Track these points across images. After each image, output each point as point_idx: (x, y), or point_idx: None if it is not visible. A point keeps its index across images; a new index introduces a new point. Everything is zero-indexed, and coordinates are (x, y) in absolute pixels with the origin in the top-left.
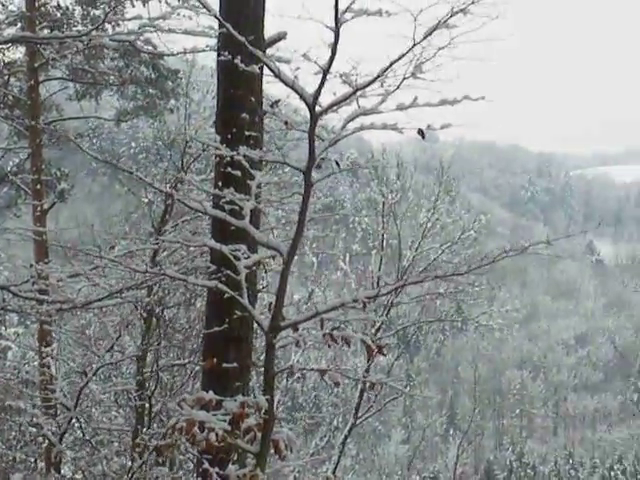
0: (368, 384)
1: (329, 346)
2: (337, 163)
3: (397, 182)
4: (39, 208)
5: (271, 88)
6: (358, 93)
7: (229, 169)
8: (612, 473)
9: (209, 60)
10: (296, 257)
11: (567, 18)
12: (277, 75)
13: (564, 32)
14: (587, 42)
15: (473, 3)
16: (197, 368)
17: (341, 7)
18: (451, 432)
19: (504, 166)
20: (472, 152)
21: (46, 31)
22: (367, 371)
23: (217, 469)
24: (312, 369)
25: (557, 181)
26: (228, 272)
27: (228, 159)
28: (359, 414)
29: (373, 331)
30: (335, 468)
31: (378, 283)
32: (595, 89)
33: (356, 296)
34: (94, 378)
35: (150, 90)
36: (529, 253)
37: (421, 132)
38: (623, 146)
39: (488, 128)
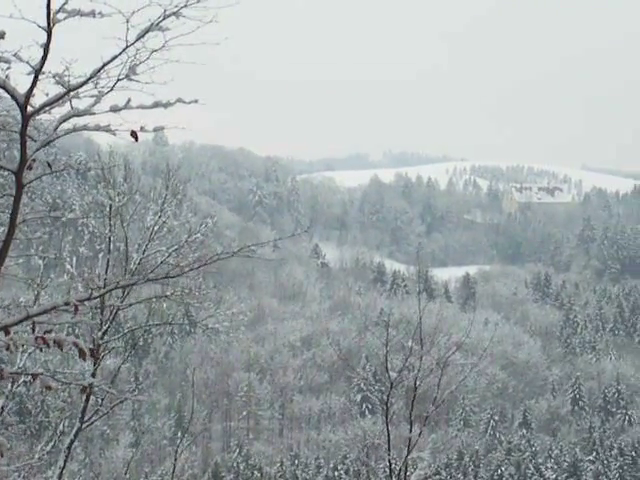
0: (95, 388)
1: (41, 349)
2: (49, 164)
3: (124, 184)
4: None
5: None
6: (71, 94)
7: None
8: (336, 473)
9: None
10: (21, 260)
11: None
12: None
13: (279, 42)
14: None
15: (185, 6)
16: None
17: (54, 7)
18: (179, 435)
19: (233, 170)
20: (201, 156)
21: None
22: (93, 375)
23: None
24: (22, 373)
25: (284, 185)
26: None
27: None
28: (85, 418)
29: (100, 334)
30: (61, 472)
31: (105, 286)
32: (320, 97)
33: (68, 299)
34: None
35: None
36: (250, 256)
37: (134, 134)
38: (347, 151)
39: (216, 132)
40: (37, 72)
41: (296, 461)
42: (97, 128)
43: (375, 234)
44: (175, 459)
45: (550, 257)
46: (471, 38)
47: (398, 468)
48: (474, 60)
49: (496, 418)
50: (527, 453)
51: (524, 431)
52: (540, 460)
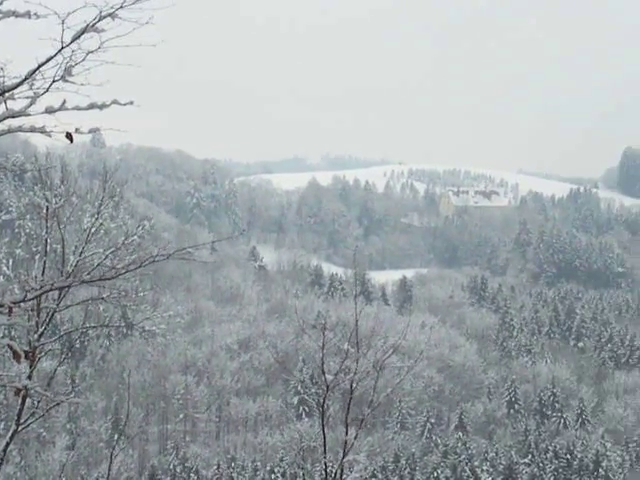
0: (31, 390)
1: None
2: None
3: (61, 186)
4: None
5: None
6: (6, 95)
7: None
8: (273, 475)
9: None
10: None
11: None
12: None
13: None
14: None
15: (121, 7)
16: None
17: None
18: (116, 437)
19: (170, 172)
20: (139, 158)
21: None
22: (29, 377)
23: None
24: None
25: (222, 188)
26: None
27: None
28: (21, 420)
29: (36, 337)
30: None
31: (41, 288)
32: (257, 99)
33: (2, 301)
34: None
35: None
36: (187, 258)
37: (69, 135)
38: (285, 154)
39: (154, 134)
40: None
41: (233, 464)
42: (32, 129)
43: (313, 237)
44: (110, 461)
45: (487, 260)
46: (409, 43)
47: (334, 471)
48: (411, 64)
49: (432, 421)
50: (463, 456)
51: (460, 434)
52: (476, 463)
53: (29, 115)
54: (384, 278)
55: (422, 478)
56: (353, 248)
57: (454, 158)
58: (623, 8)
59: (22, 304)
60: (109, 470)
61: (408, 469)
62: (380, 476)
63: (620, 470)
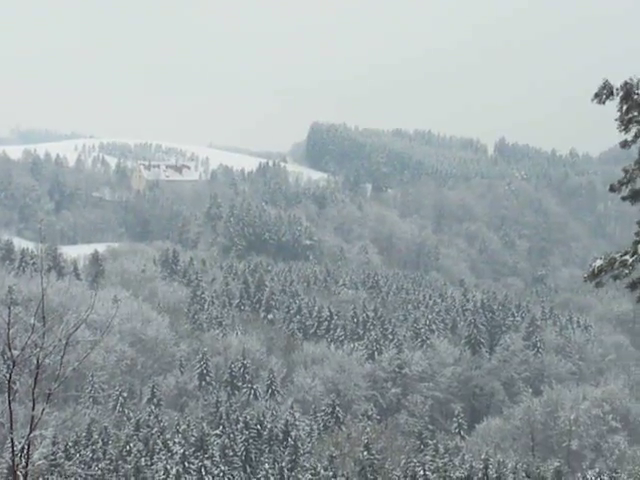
0: None
1: None
2: None
3: None
4: None
5: None
6: None
7: None
8: None
9: None
10: None
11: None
12: None
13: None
14: None
15: None
16: None
17: None
18: None
19: None
20: None
21: None
22: None
23: None
24: None
25: None
26: None
27: None
28: None
29: None
30: None
31: None
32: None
33: None
34: None
35: None
36: None
37: None
38: (9, 128)
39: None
40: None
41: None
42: None
43: (3, 212)
44: None
45: (178, 234)
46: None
47: (21, 447)
48: (98, 35)
49: (125, 395)
50: (155, 429)
51: (152, 407)
52: (168, 435)
53: None
54: (76, 253)
55: (115, 452)
56: (40, 222)
57: (145, 132)
58: None
59: None
60: None
61: (100, 443)
62: (73, 451)
63: (308, 439)
